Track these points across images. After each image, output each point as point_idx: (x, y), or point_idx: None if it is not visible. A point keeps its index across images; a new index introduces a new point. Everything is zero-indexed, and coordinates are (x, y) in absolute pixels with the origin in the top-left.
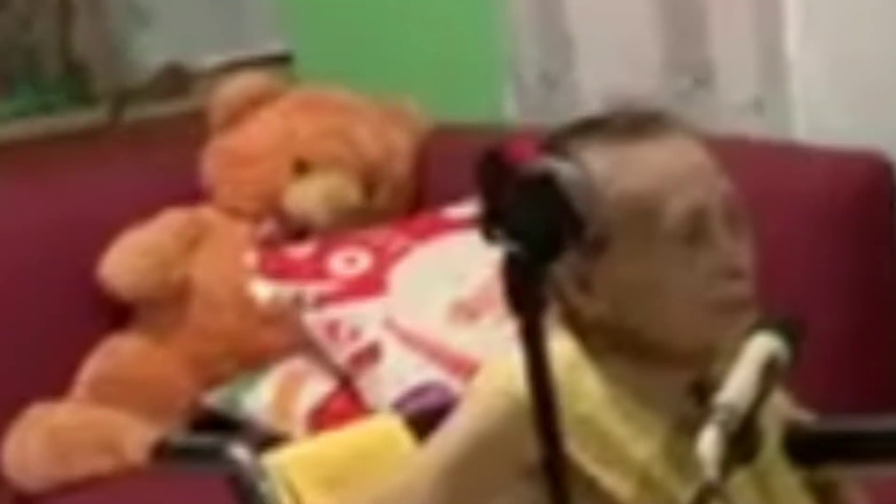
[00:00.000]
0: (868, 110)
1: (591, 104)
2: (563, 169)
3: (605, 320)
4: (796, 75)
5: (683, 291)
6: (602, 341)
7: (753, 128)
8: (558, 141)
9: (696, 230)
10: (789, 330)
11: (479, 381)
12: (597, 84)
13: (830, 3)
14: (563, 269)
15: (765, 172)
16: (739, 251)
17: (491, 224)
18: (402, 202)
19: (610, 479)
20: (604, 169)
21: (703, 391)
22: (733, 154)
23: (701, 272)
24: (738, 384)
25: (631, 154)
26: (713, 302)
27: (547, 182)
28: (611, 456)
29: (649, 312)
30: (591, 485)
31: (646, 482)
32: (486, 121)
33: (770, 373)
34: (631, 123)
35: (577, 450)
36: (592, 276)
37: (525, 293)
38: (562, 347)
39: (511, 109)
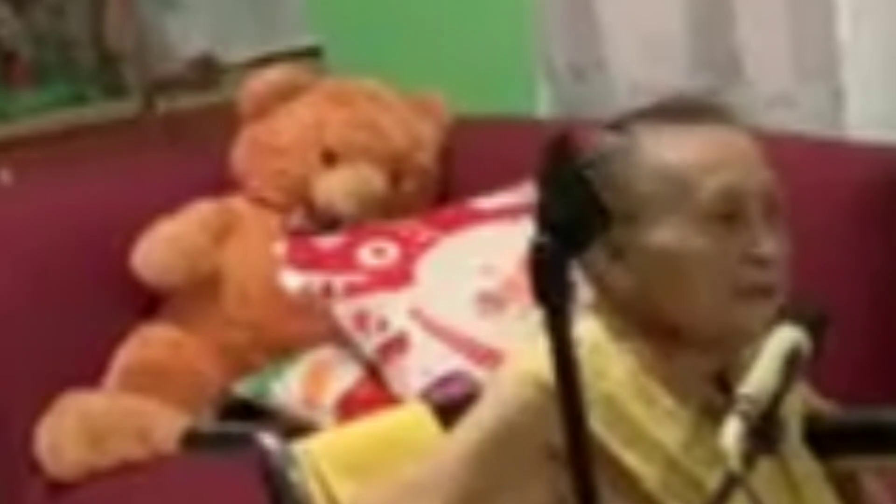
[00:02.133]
0: None
1: (620, 97)
2: (609, 141)
3: (634, 298)
4: (847, 63)
5: (710, 270)
6: (631, 322)
7: (784, 121)
8: (623, 121)
9: (731, 211)
10: (813, 322)
11: (506, 369)
12: (626, 77)
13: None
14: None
15: (790, 166)
16: (771, 240)
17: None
18: (429, 193)
19: (633, 460)
20: (649, 140)
21: (726, 379)
22: (761, 148)
23: (730, 254)
24: (760, 375)
25: (680, 133)
26: (737, 285)
27: (576, 174)
28: (636, 439)
29: (674, 288)
30: (617, 468)
31: (671, 466)
32: (517, 114)
33: (793, 364)
34: (686, 108)
35: (602, 428)
36: (626, 245)
37: (551, 283)
38: (589, 330)
39: (544, 103)
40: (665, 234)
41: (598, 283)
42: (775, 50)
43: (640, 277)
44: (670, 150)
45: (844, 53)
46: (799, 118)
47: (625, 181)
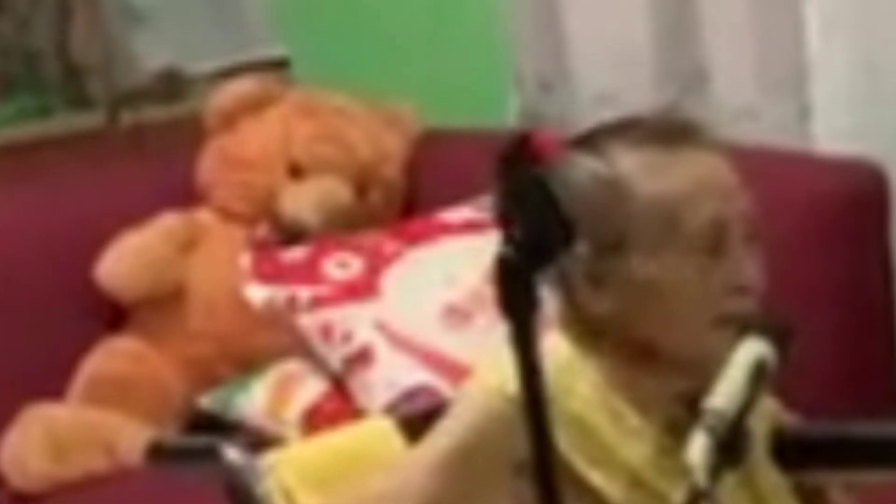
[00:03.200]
0: (883, 114)
1: (587, 109)
2: (586, 164)
3: (609, 320)
4: (814, 76)
5: (693, 301)
6: (601, 342)
7: (749, 133)
8: (592, 137)
9: (716, 242)
10: (779, 335)
11: (473, 383)
12: (593, 89)
13: (853, 7)
14: (576, 263)
15: (755, 180)
16: (752, 268)
17: (505, 217)
18: (395, 206)
19: (598, 478)
20: (633, 170)
21: (693, 397)
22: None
23: (712, 284)
24: (727, 389)
25: (662, 159)
26: (719, 315)
27: (540, 187)
28: (600, 455)
29: (655, 316)
30: (582, 484)
31: (635, 483)
32: (486, 126)
33: (759, 377)
34: (667, 130)
35: (568, 448)
36: (607, 272)
37: (516, 296)
38: (556, 347)
39: (514, 115)
40: (650, 265)
41: (571, 302)
42: (742, 62)
43: (620, 304)
44: (656, 180)
45: (812, 67)
46: (765, 131)
47: (609, 211)
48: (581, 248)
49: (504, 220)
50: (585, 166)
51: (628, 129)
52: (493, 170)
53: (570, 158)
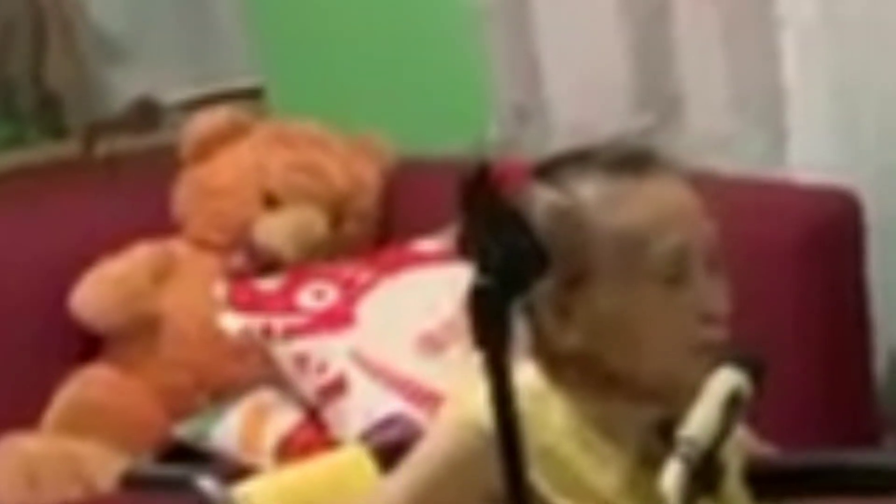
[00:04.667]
0: (858, 143)
1: (561, 137)
2: (545, 197)
3: (577, 351)
4: (790, 105)
5: (659, 330)
6: (571, 372)
7: (725, 163)
8: (551, 168)
9: (679, 271)
10: (753, 365)
11: (446, 412)
12: (568, 119)
13: (828, 33)
14: (542, 297)
15: (731, 208)
16: (717, 295)
17: (467, 248)
18: (371, 235)
19: None
20: (595, 201)
21: (667, 427)
22: (702, 190)
23: (679, 313)
24: (701, 418)
25: (623, 189)
26: (687, 344)
27: (514, 215)
28: (573, 486)
29: (623, 347)
30: None
31: None
32: (463, 155)
33: (733, 407)
34: (625, 159)
35: (541, 479)
36: (572, 305)
37: (490, 325)
38: (528, 377)
39: (491, 142)
40: (614, 297)
41: (539, 334)
42: (717, 90)
43: (587, 336)
44: (616, 211)
45: (787, 94)
46: (740, 158)
47: (569, 243)
48: (546, 280)
49: (475, 249)
50: (544, 198)
51: (587, 159)
52: (455, 200)
53: (529, 190)
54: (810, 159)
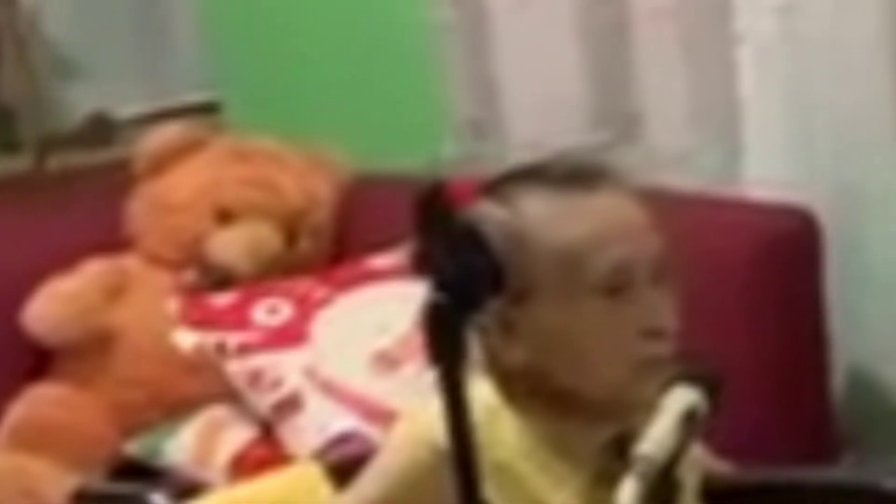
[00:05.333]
0: (815, 160)
1: (518, 154)
2: (493, 215)
3: (524, 367)
4: (747, 121)
5: (603, 346)
6: (522, 389)
7: (682, 179)
8: (498, 185)
9: (619, 285)
10: (708, 381)
11: (400, 429)
12: (526, 135)
13: (785, 50)
14: (489, 314)
15: (686, 224)
16: (664, 310)
17: (420, 267)
18: (325, 251)
19: None
20: (539, 218)
21: (622, 445)
22: (659, 206)
23: (622, 328)
24: (657, 435)
25: (567, 204)
26: (631, 359)
27: (470, 233)
28: (527, 503)
29: (568, 363)
30: None
31: None
32: (419, 169)
33: (689, 424)
34: (571, 174)
35: (496, 496)
36: (517, 321)
37: (444, 342)
38: (482, 393)
39: (448, 159)
40: (557, 313)
41: (489, 353)
42: (675, 108)
43: (533, 354)
44: (558, 227)
45: (745, 112)
46: (698, 174)
47: (516, 260)
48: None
49: (430, 266)
50: (492, 215)
51: (533, 175)
52: (410, 217)
53: (477, 207)
54: (767, 175)
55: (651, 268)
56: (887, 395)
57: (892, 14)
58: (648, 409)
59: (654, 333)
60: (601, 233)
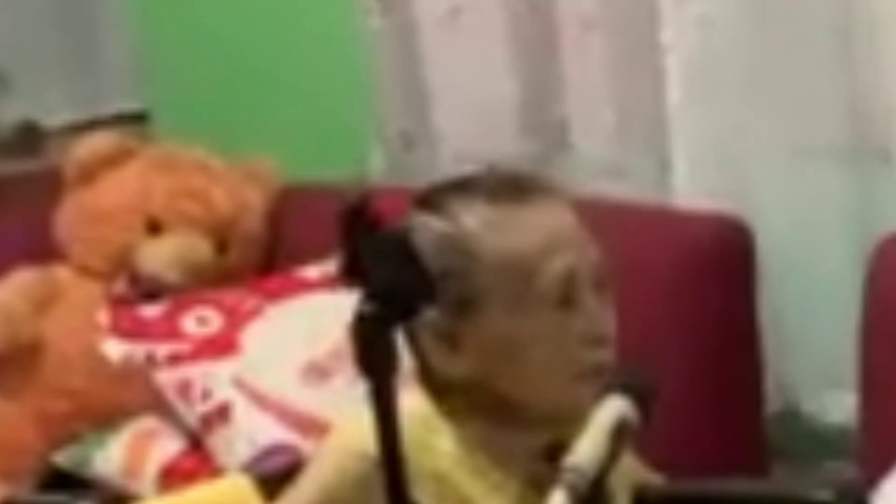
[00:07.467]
0: (743, 169)
1: (449, 165)
2: (430, 225)
3: (465, 378)
4: (675, 132)
5: (550, 355)
6: (457, 399)
7: (611, 190)
8: (433, 196)
9: (566, 295)
10: (640, 391)
11: (331, 441)
12: (455, 145)
13: (713, 61)
14: (427, 326)
15: (619, 235)
16: (605, 317)
17: (349, 278)
18: (256, 261)
19: None
20: (479, 228)
21: (555, 452)
22: (590, 216)
23: (568, 337)
24: (587, 446)
25: (507, 215)
26: (577, 367)
27: (399, 244)
28: None
29: (514, 373)
30: None
31: None
32: (348, 180)
33: (620, 434)
34: (507, 184)
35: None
36: (461, 334)
37: (375, 353)
38: (416, 403)
39: (377, 169)
40: (504, 323)
41: (424, 362)
42: (604, 118)
43: (476, 364)
44: (502, 237)
45: (672, 121)
46: (626, 187)
47: (455, 271)
48: (430, 307)
49: (359, 276)
50: (429, 226)
51: (469, 186)
52: (337, 229)
53: (412, 219)
54: (695, 186)
55: (593, 275)
56: (817, 407)
57: (809, 24)
58: (584, 416)
59: (597, 341)
60: (548, 243)
